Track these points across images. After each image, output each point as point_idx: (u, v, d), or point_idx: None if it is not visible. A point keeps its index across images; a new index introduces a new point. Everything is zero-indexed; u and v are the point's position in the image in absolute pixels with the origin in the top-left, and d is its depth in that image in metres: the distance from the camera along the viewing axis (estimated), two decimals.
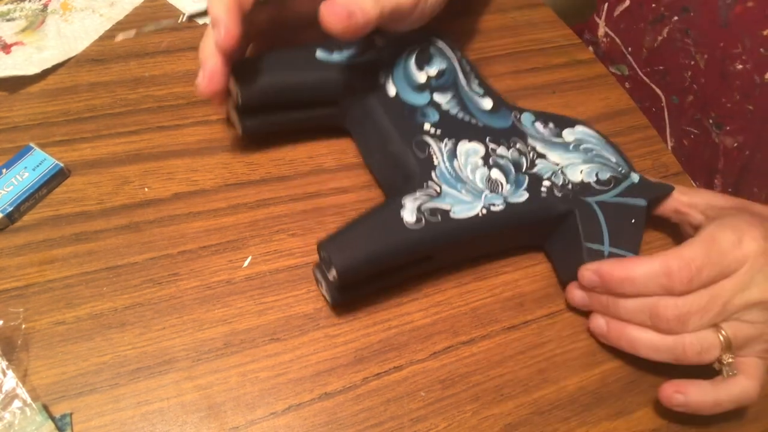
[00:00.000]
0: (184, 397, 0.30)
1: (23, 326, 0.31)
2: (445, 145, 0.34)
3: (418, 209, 0.32)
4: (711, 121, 0.46)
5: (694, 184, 0.44)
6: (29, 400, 0.28)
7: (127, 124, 0.39)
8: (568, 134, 0.38)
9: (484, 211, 0.33)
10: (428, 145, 0.34)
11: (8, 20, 0.43)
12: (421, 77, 0.37)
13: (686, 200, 0.37)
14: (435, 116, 0.36)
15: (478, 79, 0.39)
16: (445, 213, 0.32)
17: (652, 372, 0.35)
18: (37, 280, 0.33)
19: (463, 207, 0.32)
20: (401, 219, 0.31)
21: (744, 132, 0.43)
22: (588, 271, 0.33)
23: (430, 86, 0.37)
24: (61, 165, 0.36)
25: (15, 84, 0.40)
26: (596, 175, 0.36)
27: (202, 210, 0.37)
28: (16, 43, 0.42)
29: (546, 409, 0.33)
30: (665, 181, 0.39)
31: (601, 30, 0.55)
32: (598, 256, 0.34)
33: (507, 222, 0.34)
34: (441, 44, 0.39)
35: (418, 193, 0.32)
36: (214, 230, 0.36)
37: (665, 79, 0.49)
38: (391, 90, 0.36)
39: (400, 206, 0.32)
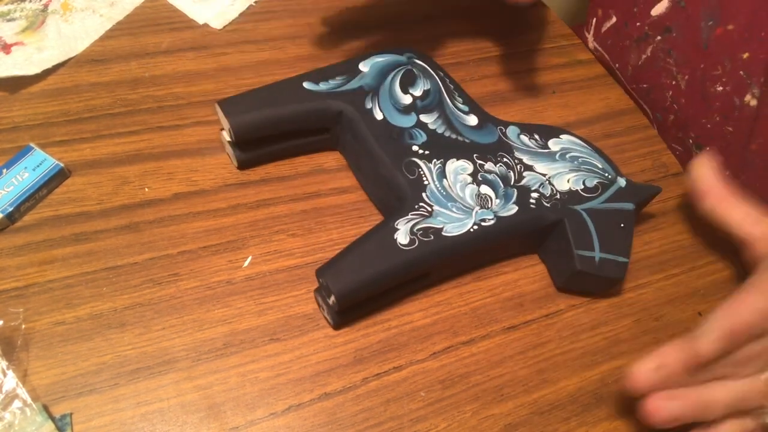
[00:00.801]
0: (184, 398, 0.30)
1: (23, 326, 0.31)
2: (434, 165, 0.35)
3: (411, 230, 0.32)
4: (691, 141, 0.46)
5: None
6: (29, 400, 0.28)
7: (127, 124, 0.39)
8: (554, 144, 0.38)
9: (476, 227, 0.33)
10: (417, 166, 0.35)
11: (8, 20, 0.43)
12: (406, 99, 0.38)
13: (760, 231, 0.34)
14: (422, 137, 0.36)
15: (462, 96, 0.39)
16: (438, 232, 0.33)
17: None
18: (37, 280, 0.33)
19: (455, 225, 0.33)
20: (395, 241, 0.32)
21: (724, 153, 0.43)
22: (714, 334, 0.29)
23: (415, 107, 0.37)
24: (61, 165, 0.36)
25: (15, 84, 0.40)
26: (583, 182, 0.37)
27: (202, 210, 0.37)
28: (16, 43, 0.42)
29: (546, 409, 0.33)
30: (665, 182, 0.39)
31: (590, 44, 0.55)
32: (590, 262, 0.34)
33: (498, 235, 0.34)
34: (423, 64, 0.40)
35: (410, 215, 0.33)
36: (214, 230, 0.36)
37: (649, 97, 0.49)
38: (378, 114, 0.37)
39: (394, 229, 0.32)
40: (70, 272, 0.33)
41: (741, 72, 0.41)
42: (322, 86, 0.37)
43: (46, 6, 0.44)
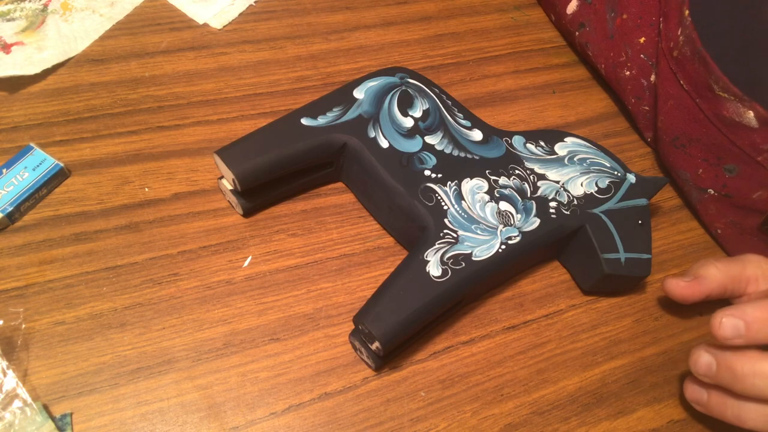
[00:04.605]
0: (184, 397, 0.30)
1: (23, 326, 0.31)
2: (450, 187, 0.34)
3: (442, 260, 0.32)
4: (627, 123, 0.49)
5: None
6: (29, 400, 0.29)
7: (127, 124, 0.39)
8: (560, 148, 0.38)
9: (503, 246, 0.33)
10: (434, 192, 0.34)
11: (8, 20, 0.43)
12: (407, 122, 0.37)
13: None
14: (432, 160, 0.35)
15: (462, 110, 0.39)
16: (468, 257, 0.32)
17: (652, 372, 0.35)
18: (37, 280, 0.33)
19: (483, 247, 0.33)
20: (428, 274, 0.31)
21: (649, 129, 0.46)
22: (730, 320, 0.29)
23: (419, 130, 0.37)
24: (61, 165, 0.36)
25: (15, 84, 0.40)
26: (596, 184, 0.37)
27: (202, 210, 0.37)
28: (16, 43, 0.42)
29: (546, 409, 0.33)
30: None
31: None
32: (617, 264, 0.34)
33: (526, 251, 0.34)
34: (417, 83, 0.39)
35: (437, 244, 0.32)
36: (214, 230, 0.36)
37: None
38: (383, 142, 0.36)
39: (424, 261, 0.32)
40: (70, 272, 0.33)
41: (642, 55, 0.43)
42: (321, 120, 0.36)
43: (45, 6, 0.44)
